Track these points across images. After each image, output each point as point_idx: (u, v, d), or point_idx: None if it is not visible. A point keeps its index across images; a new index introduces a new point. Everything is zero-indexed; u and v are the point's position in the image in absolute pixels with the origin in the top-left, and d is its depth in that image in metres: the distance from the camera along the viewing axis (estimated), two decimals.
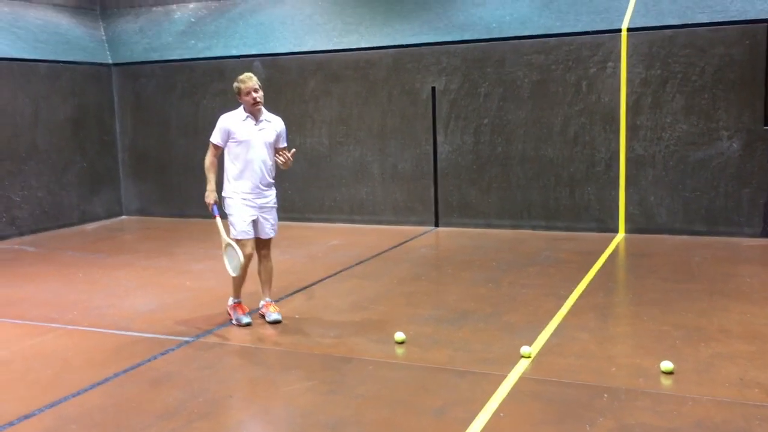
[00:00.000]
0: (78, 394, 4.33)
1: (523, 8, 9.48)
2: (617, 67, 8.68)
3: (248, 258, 5.43)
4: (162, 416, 3.99)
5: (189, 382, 4.54)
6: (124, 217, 11.64)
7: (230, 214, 5.49)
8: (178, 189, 11.28)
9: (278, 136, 5.61)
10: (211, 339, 5.34)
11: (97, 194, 11.23)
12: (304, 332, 5.43)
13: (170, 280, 7.22)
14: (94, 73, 11.27)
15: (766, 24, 8.01)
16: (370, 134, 10.01)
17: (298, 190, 10.50)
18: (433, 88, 9.55)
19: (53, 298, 6.62)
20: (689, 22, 8.37)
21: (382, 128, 9.92)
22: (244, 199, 5.45)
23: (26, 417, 4.02)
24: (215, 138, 5.48)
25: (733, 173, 8.33)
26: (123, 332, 5.55)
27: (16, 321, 5.94)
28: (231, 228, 5.49)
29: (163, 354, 5.01)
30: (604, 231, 8.90)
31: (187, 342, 5.26)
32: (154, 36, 11.81)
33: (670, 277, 6.70)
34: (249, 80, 5.40)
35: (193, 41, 11.35)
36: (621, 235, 8.76)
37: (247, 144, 5.41)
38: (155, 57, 11.36)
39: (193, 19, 11.85)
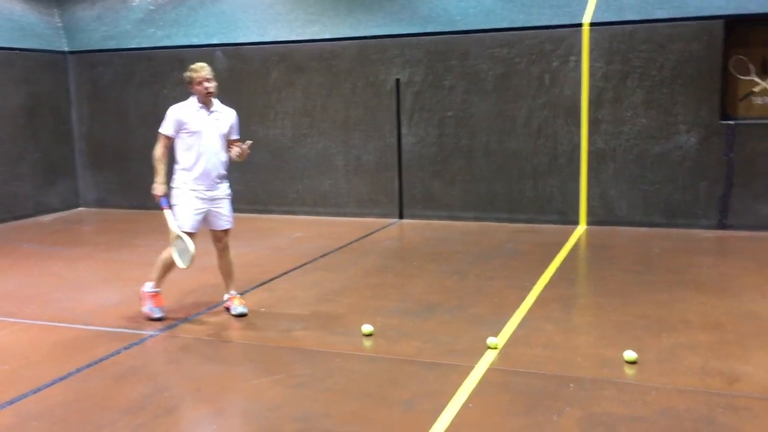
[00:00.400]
0: (38, 390, 4.22)
1: (486, 1, 9.51)
2: (579, 61, 8.77)
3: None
4: (127, 411, 3.92)
5: (154, 376, 4.47)
6: (81, 208, 11.39)
7: (176, 205, 5.33)
8: (138, 180, 11.04)
9: (231, 128, 5.53)
10: (176, 333, 5.25)
11: (52, 185, 10.96)
12: (270, 325, 5.38)
13: (132, 272, 7.07)
14: (50, 60, 10.98)
15: (722, 20, 8.18)
16: (333, 126, 9.95)
17: (261, 182, 10.40)
18: (398, 80, 9.53)
19: (10, 292, 6.44)
20: (649, 18, 8.50)
21: (346, 120, 9.88)
22: (194, 190, 5.32)
23: None
24: (166, 129, 5.31)
25: (691, 166, 8.51)
26: (84, 326, 5.43)
27: None
28: (176, 220, 5.29)
29: (126, 348, 4.91)
30: (566, 223, 9.02)
31: (151, 336, 5.17)
32: (112, 23, 11.54)
33: (631, 269, 6.82)
34: (201, 69, 5.28)
35: (152, 29, 11.13)
36: (582, 227, 8.88)
37: (200, 134, 5.30)
38: (113, 45, 11.11)
39: (152, 7, 11.61)
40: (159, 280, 5.51)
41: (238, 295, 5.72)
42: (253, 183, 10.40)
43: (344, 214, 10.02)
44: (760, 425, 3.63)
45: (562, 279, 6.58)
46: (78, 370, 4.52)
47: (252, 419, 3.82)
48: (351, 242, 8.34)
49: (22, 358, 4.79)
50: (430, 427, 3.67)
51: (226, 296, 5.70)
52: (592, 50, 8.71)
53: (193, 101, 5.36)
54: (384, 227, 9.27)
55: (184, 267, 5.20)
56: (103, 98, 11.17)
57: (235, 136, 5.59)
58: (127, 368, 4.56)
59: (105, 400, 4.09)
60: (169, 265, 5.40)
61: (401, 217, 9.77)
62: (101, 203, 11.40)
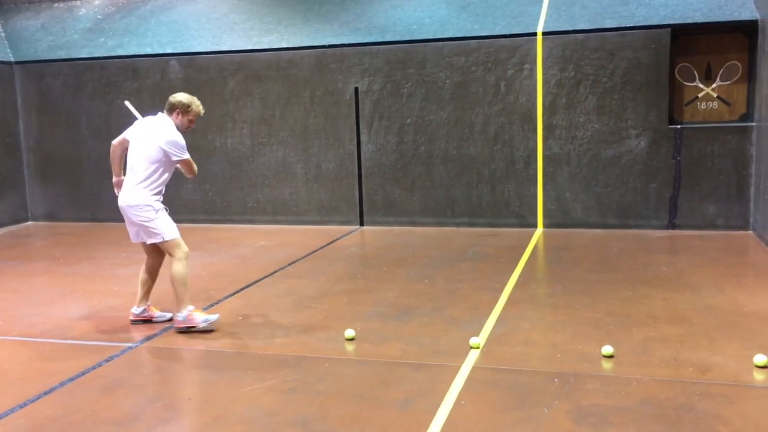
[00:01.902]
0: (24, 405, 4.13)
1: (441, 11, 9.72)
2: (534, 69, 9.05)
3: (188, 252, 5.39)
4: (121, 423, 3.88)
5: (141, 387, 4.42)
6: (30, 222, 11.07)
7: (157, 218, 5.29)
8: (90, 192, 10.84)
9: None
10: (155, 344, 5.20)
11: (0, 199, 10.63)
12: (251, 333, 5.38)
13: (97, 285, 6.95)
14: None
15: (669, 29, 8.58)
16: (293, 134, 9.98)
17: (219, 192, 10.33)
18: (356, 89, 9.63)
19: None
20: (599, 27, 8.84)
21: (306, 128, 9.92)
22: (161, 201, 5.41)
23: None
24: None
25: (641, 170, 8.87)
26: (59, 340, 5.33)
27: None
28: (166, 231, 5.30)
29: (107, 361, 4.84)
30: (524, 226, 9.27)
31: (130, 348, 5.11)
32: (59, 33, 11.30)
33: (594, 268, 7.07)
34: (200, 107, 5.47)
35: (102, 39, 10.94)
36: (540, 230, 9.14)
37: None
38: (62, 55, 10.87)
39: (99, 16, 11.42)
40: (186, 298, 5.36)
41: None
42: (211, 193, 10.33)
43: (305, 222, 10.04)
44: (736, 409, 3.85)
45: (529, 280, 6.78)
46: (61, 384, 4.44)
47: (252, 426, 3.83)
48: (316, 250, 8.38)
49: (1, 373, 4.67)
50: (428, 425, 3.76)
51: (139, 309, 5.63)
52: (545, 58, 8.99)
53: (175, 128, 5.37)
54: (346, 234, 9.33)
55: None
56: (53, 109, 10.91)
57: None
58: (112, 380, 4.50)
59: (95, 413, 4.03)
60: (186, 277, 5.34)
61: (362, 224, 9.85)
62: (51, 217, 11.11)
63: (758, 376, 4.33)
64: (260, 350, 5.00)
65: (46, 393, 4.30)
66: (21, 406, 4.11)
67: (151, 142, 5.26)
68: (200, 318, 5.36)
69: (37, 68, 10.92)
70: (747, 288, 6.22)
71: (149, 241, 5.37)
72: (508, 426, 3.75)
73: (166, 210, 5.40)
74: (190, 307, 5.37)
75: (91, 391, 4.33)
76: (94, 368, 4.71)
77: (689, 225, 8.79)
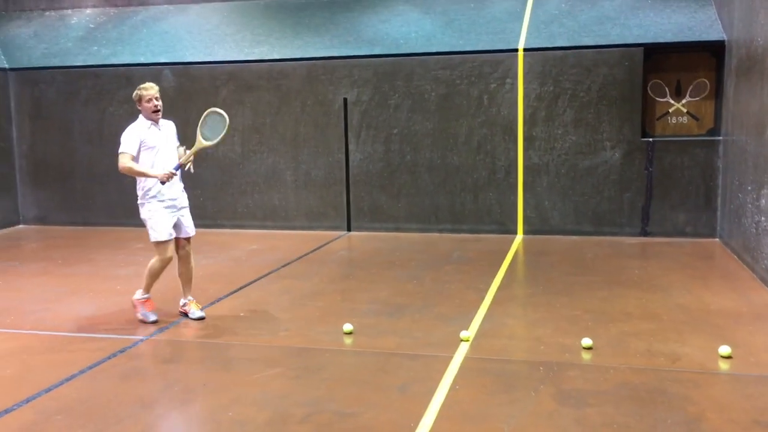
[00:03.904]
0: (50, 389, 4.44)
1: (426, 26, 10.16)
2: (515, 84, 9.52)
3: (168, 261, 5.76)
4: (144, 405, 4.20)
5: (157, 375, 4.75)
6: (21, 225, 11.27)
7: (150, 218, 5.68)
8: (82, 197, 11.08)
9: (175, 137, 5.97)
10: (164, 336, 5.52)
11: None
12: (254, 327, 5.73)
13: (99, 285, 7.23)
14: None
15: (642, 47, 9.10)
16: (283, 142, 10.34)
17: (210, 197, 10.64)
18: (345, 99, 10.03)
19: None
20: (577, 45, 9.34)
21: (295, 137, 10.28)
22: (162, 201, 5.69)
23: (6, 412, 4.11)
24: (130, 148, 5.55)
25: (616, 179, 9.37)
26: (70, 333, 5.62)
27: None
28: (152, 232, 5.68)
29: (122, 351, 5.16)
30: (505, 233, 9.70)
31: (141, 340, 5.42)
32: (52, 41, 11.55)
33: (571, 271, 7.52)
34: (151, 88, 5.69)
35: (96, 47, 11.21)
36: (520, 236, 9.59)
37: (157, 149, 5.69)
38: (56, 62, 11.12)
39: (92, 25, 11.70)
40: (148, 287, 5.82)
41: (194, 300, 6.07)
42: (202, 198, 10.63)
43: (293, 228, 10.38)
44: (703, 392, 4.29)
45: (512, 281, 7.21)
46: (81, 372, 4.75)
47: (264, 406, 4.18)
48: (307, 253, 8.73)
49: (21, 363, 4.96)
50: (427, 406, 4.14)
51: (183, 301, 6.02)
52: (526, 73, 9.47)
53: (142, 120, 5.70)
54: (334, 239, 9.69)
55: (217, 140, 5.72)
56: (46, 115, 11.14)
57: (176, 143, 5.99)
58: (128, 369, 4.82)
59: (118, 396, 4.35)
60: (157, 274, 5.72)
61: (349, 229, 10.22)
62: (42, 220, 11.32)
63: (723, 365, 4.77)
64: (264, 342, 5.35)
65: (68, 379, 4.61)
66: (47, 391, 4.42)
67: None
68: (142, 310, 5.82)
69: (31, 75, 11.15)
70: (712, 289, 6.70)
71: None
72: (499, 406, 4.15)
73: (165, 205, 5.69)
74: (145, 296, 5.84)
75: (111, 378, 4.65)
76: (109, 358, 5.02)
77: (660, 232, 9.29)
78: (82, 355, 5.08)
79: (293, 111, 10.24)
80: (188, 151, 5.76)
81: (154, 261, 5.74)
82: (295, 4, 11.14)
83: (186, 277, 6.00)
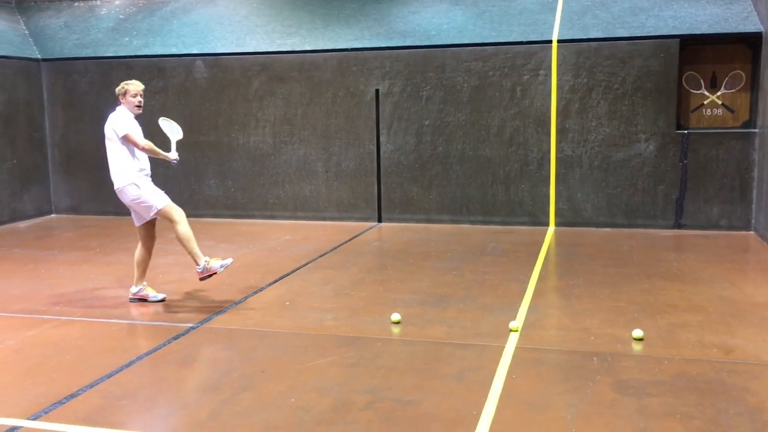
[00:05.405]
0: (111, 375, 4.49)
1: (458, 17, 10.15)
2: (548, 75, 9.50)
3: (184, 214, 6.02)
4: (206, 390, 4.25)
5: (214, 362, 4.80)
6: (53, 215, 11.37)
7: (141, 194, 5.96)
8: (113, 187, 11.13)
9: None
10: (215, 325, 5.57)
11: (27, 192, 10.93)
12: (300, 317, 5.77)
13: None
14: (23, 68, 10.97)
15: (678, 39, 9.06)
16: (314, 133, 10.36)
17: (241, 188, 10.69)
18: (377, 91, 10.04)
19: (27, 293, 6.58)
20: (611, 36, 9.31)
21: (327, 128, 10.31)
22: (148, 175, 6.15)
23: (72, 396, 4.17)
24: (132, 130, 5.91)
25: (650, 172, 9.34)
26: (121, 321, 5.69)
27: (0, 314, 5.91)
28: (152, 204, 5.94)
29: (174, 339, 5.21)
30: (537, 225, 9.71)
31: (192, 328, 5.48)
32: (83, 32, 11.62)
33: (610, 263, 7.52)
34: (139, 85, 6.10)
35: (127, 38, 11.27)
36: (552, 228, 9.59)
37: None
38: (88, 53, 11.19)
39: (121, 16, 11.75)
40: (198, 253, 5.94)
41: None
42: (233, 189, 10.69)
43: (324, 219, 10.42)
44: (762, 383, 4.30)
45: (551, 273, 7.22)
46: (139, 358, 4.80)
47: (325, 393, 4.22)
48: (341, 244, 8.76)
49: (78, 350, 5.03)
50: (486, 394, 4.17)
51: (137, 287, 6.19)
52: (560, 65, 9.45)
53: (126, 111, 6.02)
54: (366, 230, 9.72)
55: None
56: (78, 105, 11.22)
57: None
58: (185, 356, 4.87)
59: (178, 382, 4.41)
60: (191, 235, 5.94)
61: (380, 220, 10.25)
62: (74, 210, 11.42)
63: None
64: (313, 331, 5.39)
65: (127, 365, 4.67)
66: (108, 376, 4.48)
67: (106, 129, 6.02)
68: (216, 264, 5.90)
69: (64, 66, 11.23)
70: (754, 282, 6.69)
71: (149, 216, 6.01)
72: (558, 395, 4.17)
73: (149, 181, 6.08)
74: (206, 258, 5.93)
75: (169, 364, 4.70)
76: (164, 345, 5.08)
77: (694, 225, 9.26)
78: (136, 343, 5.14)
79: (324, 102, 10.27)
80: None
81: (178, 228, 5.90)
82: None
83: (147, 264, 6.21)
